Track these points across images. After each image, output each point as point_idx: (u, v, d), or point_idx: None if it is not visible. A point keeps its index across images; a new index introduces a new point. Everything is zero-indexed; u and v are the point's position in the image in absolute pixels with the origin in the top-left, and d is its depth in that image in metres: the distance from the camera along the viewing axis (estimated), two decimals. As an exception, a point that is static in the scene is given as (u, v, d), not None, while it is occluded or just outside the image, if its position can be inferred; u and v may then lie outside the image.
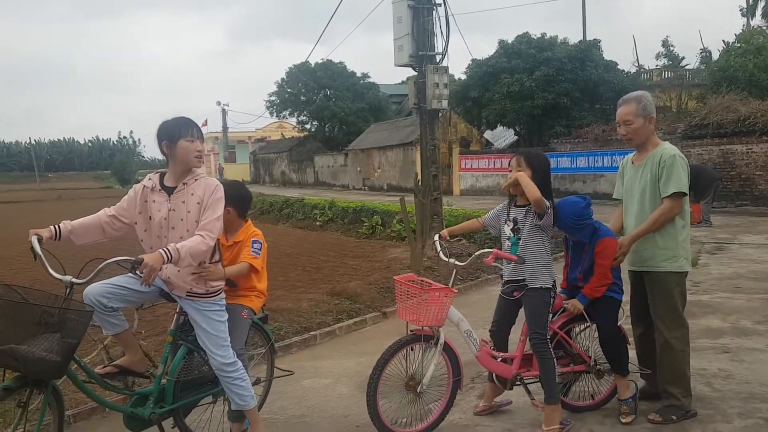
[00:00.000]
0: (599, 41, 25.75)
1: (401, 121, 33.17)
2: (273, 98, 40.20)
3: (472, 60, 27.24)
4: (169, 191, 3.22)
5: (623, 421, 3.66)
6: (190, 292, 3.27)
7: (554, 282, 3.61)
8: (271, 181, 44.54)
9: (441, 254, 3.76)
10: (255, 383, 3.92)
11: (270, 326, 4.53)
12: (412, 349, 3.59)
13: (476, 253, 3.63)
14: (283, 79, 39.88)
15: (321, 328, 6.05)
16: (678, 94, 25.11)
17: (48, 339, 2.70)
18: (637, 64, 28.87)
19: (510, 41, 26.13)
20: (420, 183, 10.19)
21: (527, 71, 24.45)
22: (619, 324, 3.78)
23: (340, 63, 39.74)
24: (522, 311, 3.72)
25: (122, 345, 3.49)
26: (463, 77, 28.47)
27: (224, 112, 53.93)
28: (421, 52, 11.08)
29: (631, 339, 3.97)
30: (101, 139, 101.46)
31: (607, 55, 26.66)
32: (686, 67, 28.99)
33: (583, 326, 3.89)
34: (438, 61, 11.33)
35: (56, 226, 3.12)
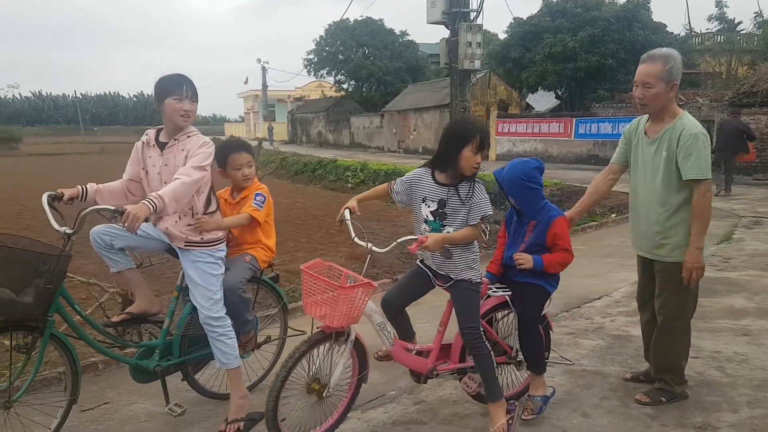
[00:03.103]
0: (648, 1, 24.64)
1: (439, 82, 32.58)
2: (311, 56, 39.95)
3: (514, 19, 26.52)
4: (162, 147, 3.27)
5: (523, 417, 3.37)
6: (187, 241, 3.31)
7: (481, 277, 3.26)
8: (308, 142, 44.59)
9: (355, 237, 3.14)
10: (265, 341, 3.96)
11: (283, 287, 4.53)
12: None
13: (399, 240, 3.05)
14: (321, 36, 39.52)
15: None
16: (728, 59, 23.97)
17: (35, 285, 2.76)
18: (688, 27, 27.64)
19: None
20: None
21: (571, 31, 23.65)
22: (544, 315, 3.48)
23: (380, 20, 39.16)
24: (427, 296, 3.38)
25: (130, 287, 3.55)
26: (504, 37, 27.74)
27: (264, 70, 53.91)
28: (455, 8, 10.78)
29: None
30: (146, 95, 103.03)
31: (657, 17, 25.59)
32: (741, 32, 27.63)
33: (503, 314, 3.54)
34: (472, 18, 11.01)
35: (83, 187, 3.21)
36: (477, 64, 11.15)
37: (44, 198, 3.07)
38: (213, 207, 3.39)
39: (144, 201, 2.92)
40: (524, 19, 25.90)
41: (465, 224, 3.09)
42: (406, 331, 3.44)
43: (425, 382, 3.39)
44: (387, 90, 37.41)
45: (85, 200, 3.19)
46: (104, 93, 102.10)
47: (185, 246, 3.31)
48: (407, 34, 39.77)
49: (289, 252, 7.41)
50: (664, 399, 3.52)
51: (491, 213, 3.10)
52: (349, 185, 15.94)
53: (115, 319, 3.43)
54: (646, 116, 3.54)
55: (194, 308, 3.43)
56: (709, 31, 28.14)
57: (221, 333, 3.34)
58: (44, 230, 7.55)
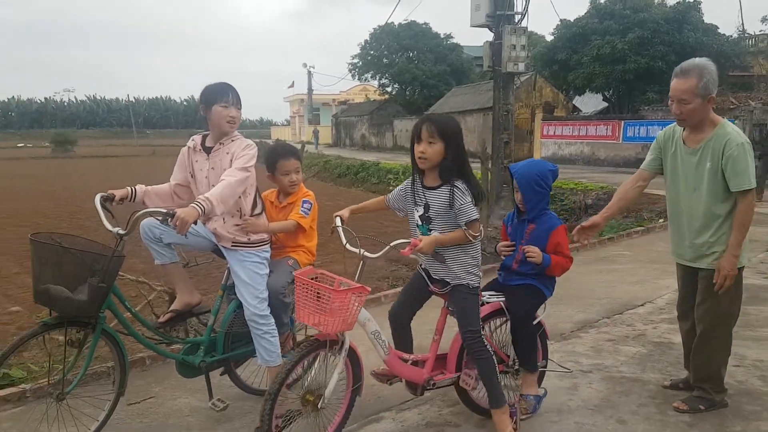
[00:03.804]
0: (699, 2, 23.95)
1: (483, 84, 32.37)
2: (356, 61, 40.30)
3: (561, 20, 26.10)
4: (208, 151, 3.42)
5: (521, 417, 3.31)
6: (234, 241, 3.44)
7: (480, 282, 3.19)
8: (352, 145, 44.91)
9: (347, 245, 3.11)
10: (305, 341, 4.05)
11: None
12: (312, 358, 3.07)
13: (391, 244, 2.97)
14: (366, 41, 39.83)
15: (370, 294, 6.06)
16: (783, 61, 23.10)
17: (89, 283, 2.91)
18: (741, 28, 26.71)
19: (603, 1, 24.81)
20: (488, 150, 9.99)
21: (620, 33, 23.18)
22: (540, 322, 3.40)
23: (425, 24, 39.21)
24: (429, 301, 3.32)
25: (171, 279, 3.70)
26: (550, 39, 27.40)
27: (309, 74, 54.69)
28: (499, 11, 10.73)
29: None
30: (195, 99, 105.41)
31: (708, 18, 24.74)
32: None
33: (500, 321, 3.46)
34: (516, 21, 10.94)
35: (132, 188, 3.38)
36: (521, 66, 11.07)
37: (97, 199, 3.23)
38: (259, 209, 3.53)
39: (193, 204, 3.05)
40: (571, 21, 25.50)
41: (452, 228, 3.03)
42: (406, 345, 3.35)
43: (422, 394, 3.29)
44: (430, 93, 37.39)
45: (134, 201, 3.35)
46: (156, 97, 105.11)
47: (232, 246, 3.44)
48: (452, 37, 39.73)
49: (330, 254, 7.48)
50: (702, 407, 3.46)
51: (476, 217, 3.02)
52: (391, 188, 15.98)
53: (161, 319, 3.57)
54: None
55: (238, 306, 3.55)
56: (763, 32, 27.09)
57: (266, 331, 3.45)
58: (98, 230, 7.85)
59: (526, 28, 11.04)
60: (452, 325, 3.26)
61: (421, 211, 3.12)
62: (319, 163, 22.87)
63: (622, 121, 21.26)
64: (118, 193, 3.30)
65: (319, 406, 2.94)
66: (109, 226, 3.12)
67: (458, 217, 2.99)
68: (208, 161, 3.40)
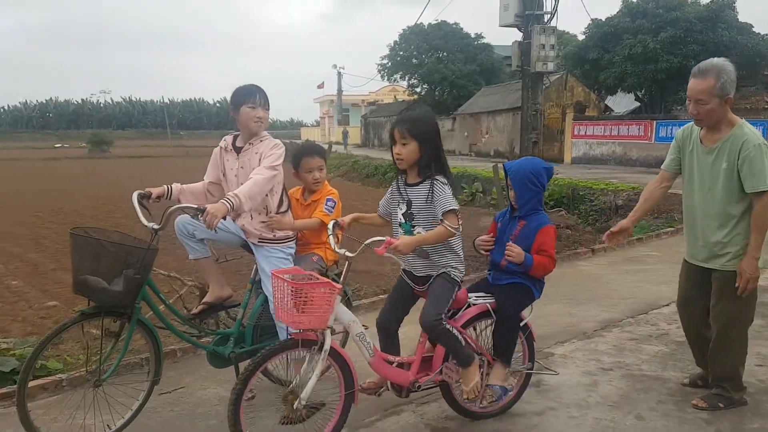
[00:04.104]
0: (734, 1, 23.44)
1: (513, 84, 32.17)
2: (385, 61, 40.40)
3: (592, 20, 25.79)
4: (238, 151, 3.59)
5: (480, 405, 3.34)
6: (260, 238, 3.59)
7: (461, 276, 3.20)
8: (380, 145, 45.01)
9: (333, 245, 3.14)
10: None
11: (349, 286, 4.73)
12: (293, 356, 3.02)
13: (365, 242, 2.93)
14: (395, 42, 39.89)
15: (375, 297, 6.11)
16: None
17: (124, 275, 3.06)
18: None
19: (635, 0, 24.46)
20: (515, 149, 10.01)
21: (652, 32, 22.81)
22: (527, 324, 3.40)
23: (455, 24, 39.09)
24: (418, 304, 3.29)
25: (206, 274, 3.84)
26: (582, 38, 27.12)
27: (339, 75, 55.06)
28: (528, 11, 10.74)
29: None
30: (228, 100, 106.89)
31: (743, 17, 24.21)
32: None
33: (485, 324, 3.43)
34: (546, 21, 10.93)
35: (168, 186, 3.55)
36: (550, 66, 11.10)
37: (134, 196, 3.39)
38: (285, 207, 3.68)
39: (222, 200, 3.20)
40: (603, 20, 25.20)
41: (435, 225, 3.03)
42: (393, 352, 3.32)
43: (407, 396, 3.27)
44: (459, 93, 37.28)
45: (170, 199, 3.52)
46: (190, 99, 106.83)
47: (258, 242, 3.59)
48: (482, 37, 39.52)
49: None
50: (721, 405, 3.48)
51: (455, 207, 3.01)
52: (419, 188, 16.04)
53: (194, 311, 3.75)
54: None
55: (266, 300, 3.68)
56: (802, 29, 26.38)
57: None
58: (134, 228, 8.09)
59: (555, 27, 11.04)
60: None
61: (404, 208, 3.16)
62: (348, 163, 23.04)
63: (654, 121, 20.94)
64: (155, 191, 3.47)
65: (294, 406, 2.91)
66: (145, 221, 3.28)
67: (436, 208, 3.01)
68: (238, 160, 3.56)
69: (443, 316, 3.09)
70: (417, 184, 3.11)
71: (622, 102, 30.49)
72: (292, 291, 2.81)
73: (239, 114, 3.51)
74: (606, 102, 29.37)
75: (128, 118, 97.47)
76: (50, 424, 3.31)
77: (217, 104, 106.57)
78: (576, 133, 24.99)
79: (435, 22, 38.00)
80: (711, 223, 3.40)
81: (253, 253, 3.68)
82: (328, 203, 3.86)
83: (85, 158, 38.58)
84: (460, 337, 3.15)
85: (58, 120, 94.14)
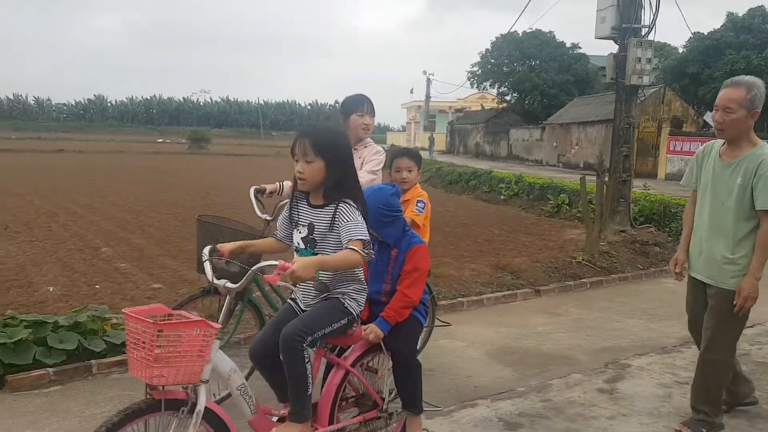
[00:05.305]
0: None
1: (607, 95, 31.31)
2: (475, 69, 40.40)
3: (693, 34, 24.88)
4: None
5: None
6: None
7: (359, 312, 2.78)
8: (465, 152, 45.01)
9: (209, 274, 2.63)
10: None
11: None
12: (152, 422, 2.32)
13: (252, 268, 2.50)
14: (487, 49, 39.84)
15: (470, 296, 6.38)
16: None
17: (240, 257, 3.44)
18: None
19: (741, 14, 23.37)
20: (604, 162, 9.93)
21: (757, 48, 21.83)
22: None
23: (550, 32, 38.59)
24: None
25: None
26: (682, 51, 26.14)
27: (428, 81, 55.43)
28: (625, 24, 10.60)
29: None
30: (319, 103, 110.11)
31: None
32: None
33: (373, 358, 3.05)
34: (643, 34, 10.76)
35: (281, 183, 3.92)
36: (646, 80, 10.84)
37: (251, 190, 3.81)
38: None
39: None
40: (705, 33, 24.22)
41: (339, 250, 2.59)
42: (281, 387, 2.76)
43: None
44: (550, 103, 36.73)
45: (281, 194, 3.88)
46: (283, 101, 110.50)
47: None
48: (579, 47, 38.77)
49: (437, 257, 7.87)
50: (704, 430, 3.49)
51: (364, 238, 2.54)
52: (502, 197, 16.07)
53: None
54: (720, 141, 3.51)
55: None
56: None
57: None
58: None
59: (653, 41, 10.82)
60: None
61: (304, 232, 2.71)
62: (432, 169, 23.28)
63: (758, 139, 19.90)
64: (269, 187, 3.87)
65: None
66: (259, 213, 3.72)
67: (341, 236, 2.57)
68: None
69: (310, 339, 2.59)
70: (321, 206, 2.67)
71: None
72: (148, 334, 2.14)
73: (349, 121, 3.91)
74: (705, 118, 28.10)
75: (225, 116, 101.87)
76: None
77: (308, 107, 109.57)
78: (671, 148, 24.10)
79: (530, 30, 37.60)
80: (717, 236, 3.42)
81: None
82: (419, 204, 4.14)
83: (185, 154, 40.77)
84: (309, 378, 2.61)
85: (161, 116, 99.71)
